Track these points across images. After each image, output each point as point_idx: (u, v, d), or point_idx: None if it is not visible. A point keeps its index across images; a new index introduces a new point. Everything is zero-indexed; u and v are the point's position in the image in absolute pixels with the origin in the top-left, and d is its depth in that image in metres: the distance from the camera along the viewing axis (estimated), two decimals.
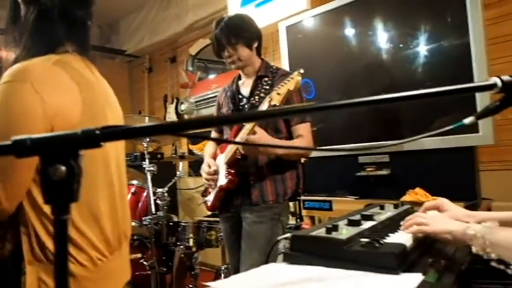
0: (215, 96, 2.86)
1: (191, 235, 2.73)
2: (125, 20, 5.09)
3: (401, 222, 1.03)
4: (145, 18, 4.73)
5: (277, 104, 1.57)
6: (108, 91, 1.02)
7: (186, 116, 4.27)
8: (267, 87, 1.87)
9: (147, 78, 5.06)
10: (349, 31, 2.46)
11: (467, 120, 0.73)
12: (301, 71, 1.59)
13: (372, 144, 2.26)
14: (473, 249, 0.79)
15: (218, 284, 0.72)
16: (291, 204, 2.88)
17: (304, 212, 2.64)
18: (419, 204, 2.06)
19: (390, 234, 0.95)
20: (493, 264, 0.76)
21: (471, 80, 1.93)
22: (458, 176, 2.03)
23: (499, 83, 0.66)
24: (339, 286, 0.73)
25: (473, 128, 1.93)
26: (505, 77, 0.67)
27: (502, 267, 0.76)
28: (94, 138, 0.51)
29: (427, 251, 0.94)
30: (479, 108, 1.90)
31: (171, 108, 4.54)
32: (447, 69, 2.06)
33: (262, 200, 1.84)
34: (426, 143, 2.08)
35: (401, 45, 2.24)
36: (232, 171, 1.85)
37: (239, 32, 1.87)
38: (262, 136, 1.71)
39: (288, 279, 0.79)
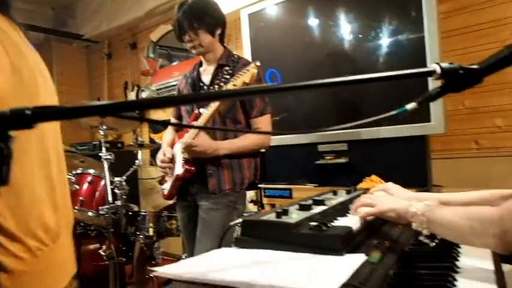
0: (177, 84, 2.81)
1: (151, 224, 2.68)
2: (81, 3, 4.87)
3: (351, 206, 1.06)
4: (103, 1, 4.55)
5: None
6: (38, 58, 0.86)
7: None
8: (227, 76, 1.85)
9: (107, 64, 4.88)
10: (313, 21, 2.47)
11: (410, 106, 0.75)
12: (258, 63, 1.59)
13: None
14: (413, 226, 0.82)
15: (164, 269, 0.71)
16: (252, 192, 2.90)
17: (265, 200, 2.67)
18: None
19: (339, 218, 0.97)
20: (421, 238, 0.81)
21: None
22: (412, 163, 2.11)
23: (438, 70, 0.69)
24: (285, 268, 0.74)
25: (425, 118, 2.01)
26: (444, 64, 0.69)
27: (427, 241, 0.80)
28: (24, 118, 0.48)
29: (374, 233, 0.97)
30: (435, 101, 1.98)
31: (131, 96, 4.42)
32: (404, 60, 2.12)
33: (219, 189, 1.84)
34: (382, 132, 2.14)
35: (361, 36, 2.28)
36: (189, 160, 1.83)
37: (202, 17, 1.82)
38: (202, 143, 1.74)
39: (236, 263, 0.79)
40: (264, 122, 1.89)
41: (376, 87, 2.15)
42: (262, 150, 2.46)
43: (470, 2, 2.36)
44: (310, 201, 1.10)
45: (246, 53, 2.72)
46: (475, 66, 0.71)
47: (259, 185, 2.65)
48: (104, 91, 4.90)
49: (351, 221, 0.94)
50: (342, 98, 2.40)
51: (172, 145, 1.99)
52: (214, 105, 1.71)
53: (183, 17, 1.82)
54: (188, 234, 2.01)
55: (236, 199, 1.88)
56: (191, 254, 1.99)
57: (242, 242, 0.90)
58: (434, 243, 0.81)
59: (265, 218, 0.93)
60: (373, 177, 2.21)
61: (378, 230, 1.00)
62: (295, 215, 0.94)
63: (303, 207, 1.02)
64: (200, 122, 1.72)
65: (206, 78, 1.96)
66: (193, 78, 1.99)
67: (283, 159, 2.58)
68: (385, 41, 2.19)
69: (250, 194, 3.09)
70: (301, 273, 0.70)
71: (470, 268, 0.78)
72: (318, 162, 2.40)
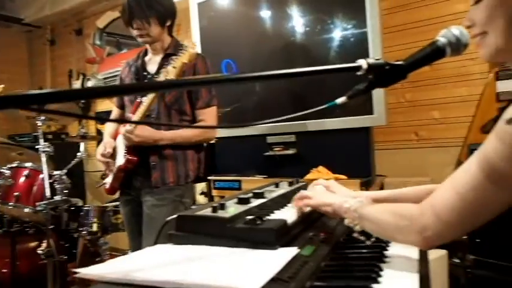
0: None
1: (95, 220, 2.59)
2: None
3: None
4: None
5: (173, 78, 1.53)
6: None
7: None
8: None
9: (49, 51, 4.61)
10: (264, 12, 2.46)
11: (340, 100, 0.76)
12: (195, 42, 1.56)
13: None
14: (346, 222, 0.84)
15: (87, 270, 0.68)
16: (203, 184, 2.88)
17: (214, 192, 2.64)
18: None
19: (276, 211, 0.98)
20: (355, 235, 0.82)
21: None
22: (356, 154, 2.18)
23: (365, 65, 0.70)
24: (216, 264, 0.73)
25: (368, 110, 2.07)
26: (371, 60, 0.71)
27: (362, 238, 0.81)
28: None
29: (311, 226, 0.98)
30: (374, 93, 2.04)
31: (77, 85, 4.21)
32: (349, 54, 2.16)
33: (162, 182, 1.79)
34: (328, 124, 2.19)
35: (309, 29, 2.30)
36: (131, 150, 1.77)
37: (154, 5, 1.76)
38: (143, 131, 1.71)
39: (168, 260, 0.77)
40: (208, 114, 1.86)
41: (326, 79, 2.20)
42: (211, 141, 2.45)
43: None
44: (249, 195, 1.09)
45: (196, 43, 2.66)
46: (400, 63, 0.74)
47: (209, 177, 2.62)
48: (47, 79, 4.62)
49: (288, 214, 0.95)
50: (291, 89, 2.42)
51: (115, 136, 1.92)
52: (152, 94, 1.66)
53: (134, 2, 1.75)
54: (132, 230, 1.95)
55: (182, 193, 1.84)
56: (136, 250, 1.93)
57: (177, 238, 0.88)
58: (370, 242, 0.82)
59: (200, 212, 0.91)
60: (320, 168, 2.26)
61: (314, 222, 1.02)
62: (232, 209, 0.93)
63: (242, 201, 1.01)
64: (141, 111, 1.68)
65: (151, 67, 1.90)
66: (137, 67, 1.93)
67: (232, 150, 2.56)
68: (332, 34, 2.22)
69: (201, 186, 3.06)
70: (232, 269, 0.70)
71: (396, 258, 0.81)
72: (267, 153, 2.41)
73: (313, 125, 2.23)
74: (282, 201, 1.10)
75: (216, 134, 1.96)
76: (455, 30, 0.73)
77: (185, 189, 1.86)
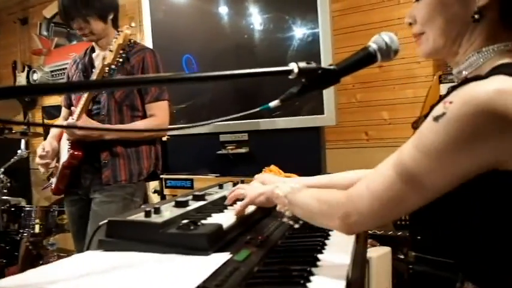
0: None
1: (37, 221, 2.46)
2: None
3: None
4: None
5: (110, 62, 1.51)
6: None
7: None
8: (121, 60, 1.73)
9: None
10: (220, 8, 2.42)
11: (272, 104, 0.75)
12: (133, 24, 1.53)
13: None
14: (277, 208, 0.84)
15: (3, 281, 0.62)
16: (156, 182, 2.80)
17: (166, 191, 2.59)
18: None
19: (214, 215, 0.96)
20: (284, 219, 0.83)
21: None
22: (307, 153, 2.20)
23: (296, 69, 0.69)
24: (143, 272, 0.70)
25: (319, 110, 2.10)
26: (302, 64, 0.70)
27: (291, 222, 0.82)
28: None
29: (249, 229, 0.97)
30: (324, 93, 2.07)
31: (21, 77, 3.97)
32: (302, 53, 2.18)
33: (114, 180, 1.74)
34: (280, 123, 2.19)
35: (264, 27, 2.29)
36: (74, 145, 1.70)
37: (90, 2, 1.69)
38: (85, 124, 1.65)
39: (95, 269, 0.73)
40: (158, 108, 1.80)
41: (283, 82, 2.20)
42: (163, 138, 2.39)
43: (362, 2, 2.51)
44: (189, 197, 1.07)
45: (147, 36, 2.59)
46: (332, 67, 0.73)
47: (161, 176, 2.56)
48: None
49: (226, 218, 0.93)
50: (244, 86, 2.40)
51: (60, 136, 1.85)
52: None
53: (68, 2, 1.69)
54: (77, 231, 1.87)
55: (134, 191, 1.79)
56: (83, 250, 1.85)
57: (107, 245, 0.84)
58: (298, 225, 0.84)
59: (132, 217, 0.87)
60: (272, 167, 2.26)
61: (253, 225, 1.00)
62: (167, 213, 0.90)
63: (179, 204, 0.98)
64: (81, 102, 1.63)
65: (99, 63, 1.82)
66: (84, 64, 1.87)
67: (185, 149, 2.52)
68: (287, 33, 2.23)
69: (154, 184, 2.99)
70: (158, 277, 0.67)
71: (329, 262, 0.81)
72: (220, 152, 2.39)
73: (266, 124, 2.23)
74: (223, 203, 1.08)
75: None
76: (386, 37, 0.74)
77: (137, 187, 1.81)
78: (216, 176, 2.39)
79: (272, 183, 1.07)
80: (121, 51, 1.58)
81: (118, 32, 1.53)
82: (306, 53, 2.16)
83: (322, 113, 2.09)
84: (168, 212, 0.92)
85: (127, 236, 0.84)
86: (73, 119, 1.65)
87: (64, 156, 1.74)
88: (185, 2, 2.54)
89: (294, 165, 2.18)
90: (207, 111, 2.49)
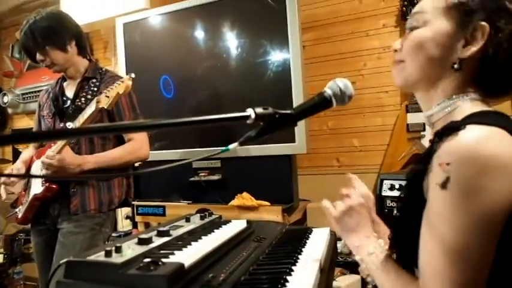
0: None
1: (1, 250, 2.38)
2: None
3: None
4: None
5: (105, 107, 1.47)
6: None
7: (9, 110, 3.71)
8: (95, 88, 1.77)
9: None
10: (194, 32, 2.46)
11: (231, 146, 0.77)
12: (132, 75, 1.50)
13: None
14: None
15: None
16: (128, 209, 2.76)
17: (138, 218, 2.55)
18: (246, 208, 2.20)
19: (178, 252, 0.95)
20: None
21: (290, 94, 2.14)
22: (279, 181, 2.23)
23: (253, 115, 0.72)
24: None
25: (290, 139, 2.13)
26: (258, 109, 0.72)
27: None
28: None
29: (213, 265, 0.97)
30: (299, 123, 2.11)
31: None
32: (273, 80, 2.23)
33: (82, 209, 1.70)
34: (252, 150, 2.22)
35: (239, 52, 2.33)
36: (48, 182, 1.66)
37: (48, 36, 1.70)
38: (65, 157, 1.60)
39: None
40: (136, 133, 1.77)
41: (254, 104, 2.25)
42: (137, 164, 2.36)
43: (332, 33, 2.60)
44: (153, 233, 1.06)
45: (121, 61, 2.61)
46: (289, 112, 0.76)
47: (133, 202, 2.53)
48: None
49: (189, 255, 0.93)
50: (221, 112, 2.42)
51: (28, 163, 1.80)
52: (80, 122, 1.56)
53: (26, 38, 1.71)
54: (42, 262, 1.81)
55: (103, 221, 1.75)
56: (46, 285, 1.79)
57: (65, 286, 0.83)
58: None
59: (92, 257, 0.86)
60: (245, 194, 2.27)
61: (218, 260, 1.00)
62: (129, 252, 0.89)
63: (142, 241, 0.97)
64: (51, 151, 1.59)
65: (70, 92, 1.83)
66: (55, 94, 1.85)
67: (157, 175, 2.50)
68: (260, 59, 2.28)
69: (126, 210, 2.94)
70: None
71: None
72: (192, 178, 2.38)
73: (238, 151, 2.24)
74: (189, 238, 1.08)
75: (148, 151, 1.85)
76: (341, 83, 0.78)
77: (106, 217, 1.77)
78: (189, 203, 2.38)
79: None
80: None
81: (121, 80, 1.50)
82: (278, 78, 2.21)
83: (293, 141, 2.13)
84: (130, 250, 0.91)
85: (86, 277, 0.82)
86: (52, 151, 1.59)
87: (36, 186, 1.69)
88: (161, 25, 2.57)
89: (265, 193, 2.21)
90: (182, 135, 2.49)
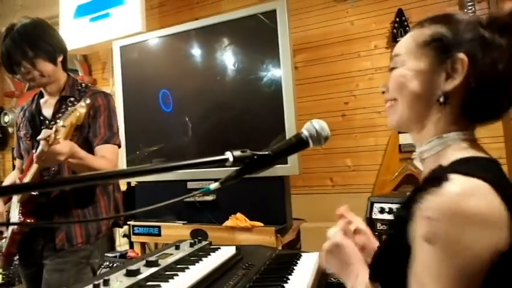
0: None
1: (0, 270, 2.40)
2: None
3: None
4: None
5: (63, 138, 1.35)
6: None
7: (10, 129, 3.76)
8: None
9: None
10: (190, 52, 2.51)
11: (213, 186, 0.80)
12: (87, 101, 1.40)
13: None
14: None
15: None
16: (126, 227, 2.77)
17: (133, 238, 2.57)
18: (239, 228, 2.22)
19: (164, 284, 0.98)
20: None
21: (282, 114, 2.18)
22: (272, 202, 2.25)
23: (231, 158, 0.76)
24: None
25: (283, 160, 2.17)
26: (236, 153, 0.76)
27: None
28: None
29: None
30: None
31: None
32: (266, 98, 2.28)
33: (69, 244, 1.58)
34: None
35: (233, 68, 2.38)
36: (25, 210, 1.55)
37: (38, 44, 1.55)
38: (66, 145, 1.40)
39: None
40: (107, 150, 1.62)
41: (249, 124, 2.30)
42: (123, 187, 2.36)
43: (325, 54, 2.65)
44: (141, 263, 1.09)
45: (117, 83, 2.66)
46: (267, 153, 0.80)
47: (128, 222, 2.55)
48: None
49: (175, 286, 0.96)
50: (216, 132, 2.46)
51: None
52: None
53: (13, 45, 1.52)
54: None
55: (89, 253, 1.63)
56: None
57: None
58: None
59: None
60: (238, 215, 2.30)
61: None
62: (117, 284, 0.93)
63: (130, 273, 1.00)
64: (32, 171, 1.51)
65: (48, 111, 1.69)
66: (31, 113, 1.70)
67: (152, 195, 2.53)
68: (254, 76, 2.32)
69: (124, 228, 2.96)
70: None
71: None
72: (187, 199, 2.40)
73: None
74: (176, 268, 1.11)
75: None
76: (317, 125, 0.81)
77: (94, 248, 1.65)
78: (184, 223, 2.40)
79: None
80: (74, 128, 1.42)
81: (74, 108, 1.37)
82: (271, 96, 2.25)
83: (286, 162, 2.16)
84: (118, 283, 0.94)
85: None
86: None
87: (15, 218, 1.58)
88: (157, 46, 2.63)
89: (259, 214, 2.24)
90: (178, 154, 2.53)
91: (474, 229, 0.61)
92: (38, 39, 1.56)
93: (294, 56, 2.50)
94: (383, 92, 0.83)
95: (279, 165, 2.17)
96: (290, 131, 2.13)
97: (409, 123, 0.79)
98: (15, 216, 1.59)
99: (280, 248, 2.13)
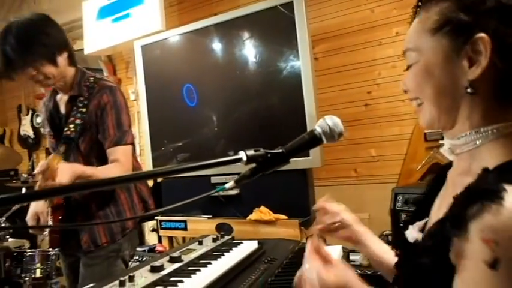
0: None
1: (38, 265, 2.51)
2: None
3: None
4: None
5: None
6: None
7: (42, 130, 3.91)
8: (83, 109, 1.62)
9: None
10: (210, 47, 2.52)
11: (228, 185, 0.81)
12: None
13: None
14: None
15: None
16: (154, 221, 2.85)
17: (161, 232, 2.64)
18: (263, 222, 2.24)
19: (186, 279, 1.01)
20: None
21: (303, 105, 2.16)
22: (295, 194, 2.26)
23: (244, 158, 0.77)
24: None
25: (305, 153, 2.16)
26: (250, 152, 0.77)
27: None
28: None
29: None
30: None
31: (26, 120, 4.12)
32: (286, 89, 2.26)
33: (94, 245, 1.64)
34: None
35: (255, 60, 2.38)
36: (55, 217, 1.64)
37: (35, 49, 1.51)
38: (66, 173, 1.43)
39: None
40: (119, 153, 1.62)
41: (277, 120, 2.30)
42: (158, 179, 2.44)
43: (345, 43, 2.61)
44: (165, 259, 1.12)
45: (140, 81, 2.71)
46: (280, 150, 0.80)
47: (156, 217, 2.63)
48: None
49: (197, 282, 0.99)
50: (239, 126, 2.47)
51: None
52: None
53: (10, 51, 1.49)
54: (70, 284, 1.86)
55: (119, 246, 1.69)
56: None
57: None
58: None
59: (106, 287, 0.93)
60: (262, 208, 2.32)
61: (224, 287, 1.05)
62: (141, 281, 0.96)
63: (154, 269, 1.04)
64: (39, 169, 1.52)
65: (63, 108, 1.72)
66: (50, 111, 1.74)
67: (178, 190, 2.59)
68: (274, 68, 2.31)
69: (152, 223, 3.05)
70: None
71: None
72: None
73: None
74: (199, 263, 1.14)
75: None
76: (329, 121, 0.81)
77: (123, 242, 1.70)
78: (209, 218, 2.45)
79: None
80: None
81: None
82: (292, 89, 2.22)
83: (308, 155, 2.15)
84: (142, 279, 0.98)
85: None
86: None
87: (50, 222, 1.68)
88: (178, 43, 2.65)
89: (282, 207, 2.25)
90: (204, 148, 2.57)
91: None
92: (34, 43, 1.51)
93: (313, 47, 2.48)
94: (405, 91, 0.76)
95: (301, 158, 2.17)
96: (311, 123, 2.12)
97: (440, 122, 0.70)
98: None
99: (304, 240, 2.14)
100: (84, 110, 1.61)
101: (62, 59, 1.61)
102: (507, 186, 0.55)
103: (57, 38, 1.60)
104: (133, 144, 1.70)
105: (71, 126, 1.61)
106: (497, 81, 0.63)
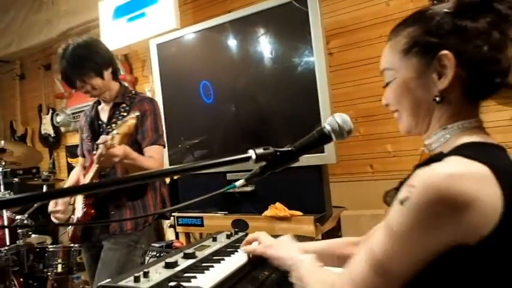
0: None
1: (60, 260, 2.60)
2: None
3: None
4: (13, 20, 4.32)
5: (118, 144, 1.56)
6: None
7: (62, 129, 4.02)
8: (125, 113, 1.84)
9: (19, 85, 4.62)
10: (225, 44, 2.53)
11: (238, 183, 0.83)
12: (137, 113, 1.59)
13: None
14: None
15: None
16: (171, 219, 2.90)
17: (179, 229, 2.68)
18: (279, 218, 2.25)
19: (200, 275, 1.03)
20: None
21: (317, 100, 2.15)
22: (310, 191, 2.25)
23: (254, 156, 0.77)
24: None
25: (320, 149, 2.15)
26: (259, 150, 0.78)
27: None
28: None
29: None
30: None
31: (46, 120, 4.23)
32: (301, 84, 2.26)
33: (120, 230, 1.84)
34: None
35: (270, 56, 2.37)
36: (88, 202, 1.80)
37: (85, 64, 1.82)
38: (120, 149, 1.62)
39: None
40: (155, 151, 1.87)
41: (288, 116, 2.31)
42: (174, 177, 2.48)
43: (360, 38, 2.58)
44: (179, 255, 1.14)
45: (156, 80, 2.75)
46: (290, 148, 0.81)
47: (173, 214, 2.67)
48: (17, 113, 4.63)
49: (210, 278, 1.00)
50: (256, 123, 2.48)
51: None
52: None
53: (67, 67, 1.82)
54: (92, 275, 1.97)
55: (138, 238, 1.87)
56: None
57: None
58: None
59: (122, 282, 0.95)
60: (277, 204, 2.32)
61: (237, 283, 1.06)
62: (155, 277, 0.98)
63: (168, 265, 1.06)
64: (91, 174, 1.75)
65: (104, 116, 1.97)
66: (91, 118, 1.99)
67: (195, 187, 2.62)
68: (289, 64, 2.31)
69: (170, 220, 3.09)
70: None
71: None
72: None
73: None
74: (213, 259, 1.15)
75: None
76: (339, 118, 0.81)
77: (141, 234, 1.89)
78: (225, 214, 2.47)
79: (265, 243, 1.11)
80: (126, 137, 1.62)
81: (125, 120, 1.58)
82: (306, 84, 2.22)
83: (322, 151, 2.15)
84: (157, 274, 1.00)
85: None
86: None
87: (79, 209, 1.83)
88: (193, 41, 2.67)
89: (297, 203, 2.25)
90: (221, 145, 2.59)
91: (448, 212, 0.60)
92: (84, 60, 1.82)
93: (328, 42, 2.46)
94: (386, 105, 0.86)
95: (315, 154, 2.17)
96: (325, 118, 2.09)
97: (417, 128, 0.81)
98: (79, 207, 1.84)
99: (319, 237, 2.14)
100: (125, 114, 1.82)
101: (107, 73, 1.89)
102: (447, 158, 0.65)
103: (104, 56, 1.89)
104: (165, 146, 1.96)
105: (113, 125, 1.79)
106: (462, 87, 0.74)
